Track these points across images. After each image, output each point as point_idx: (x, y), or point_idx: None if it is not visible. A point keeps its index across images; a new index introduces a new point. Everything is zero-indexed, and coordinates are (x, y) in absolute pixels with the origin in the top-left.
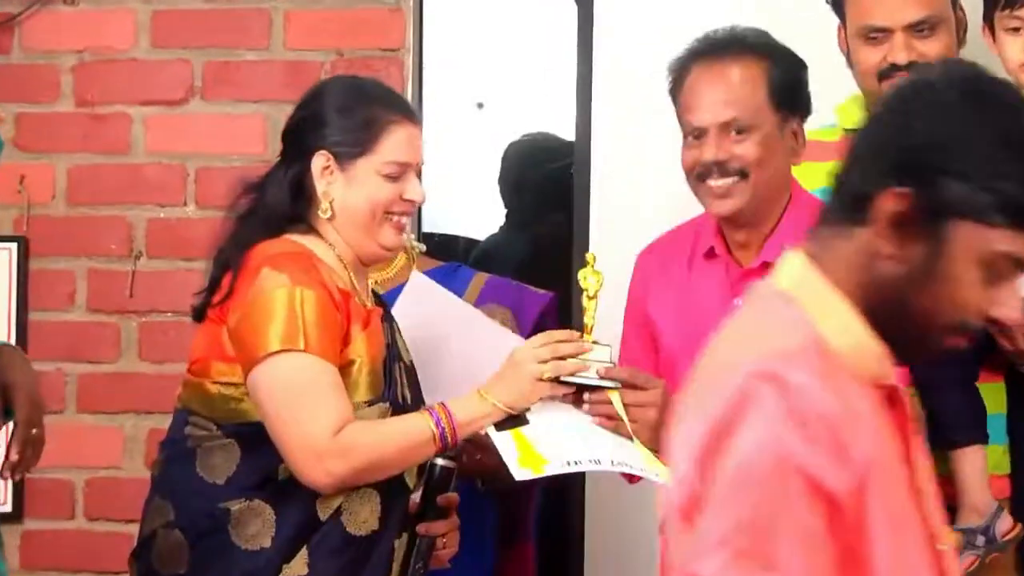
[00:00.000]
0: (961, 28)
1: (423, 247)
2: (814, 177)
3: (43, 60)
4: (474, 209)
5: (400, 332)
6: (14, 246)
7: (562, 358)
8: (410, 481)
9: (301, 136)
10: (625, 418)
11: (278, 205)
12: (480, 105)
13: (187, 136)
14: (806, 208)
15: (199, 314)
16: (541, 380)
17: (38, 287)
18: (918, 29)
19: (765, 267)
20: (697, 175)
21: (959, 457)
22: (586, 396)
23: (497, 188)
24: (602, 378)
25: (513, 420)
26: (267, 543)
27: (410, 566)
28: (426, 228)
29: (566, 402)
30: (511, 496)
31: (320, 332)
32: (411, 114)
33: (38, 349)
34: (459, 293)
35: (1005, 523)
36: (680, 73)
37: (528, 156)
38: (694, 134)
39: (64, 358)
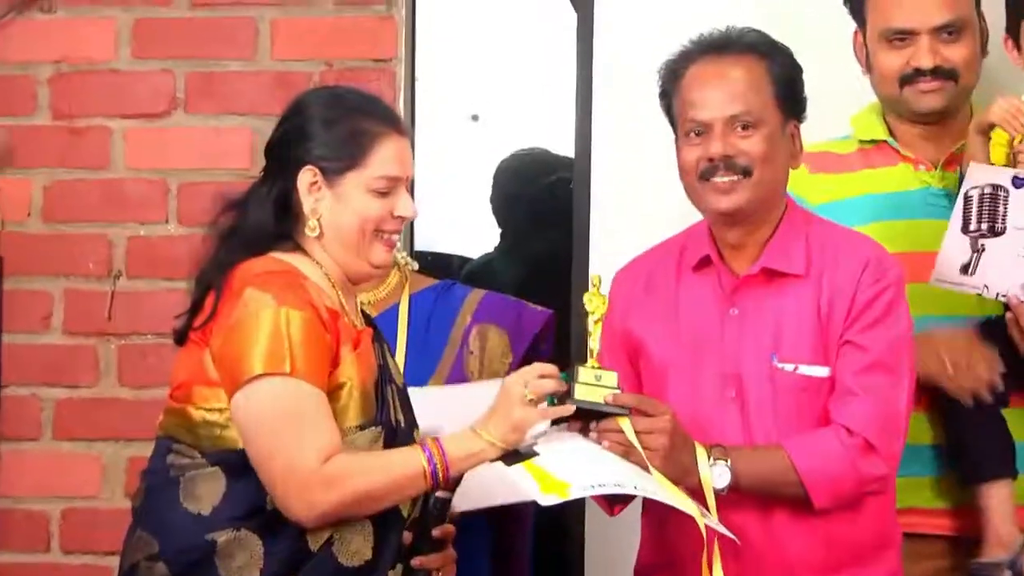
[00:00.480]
0: (985, 37)
1: (415, 265)
2: (828, 189)
3: (18, 71)
4: (469, 226)
5: (391, 354)
6: None
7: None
8: (405, 511)
9: (285, 151)
10: (637, 444)
11: (262, 223)
12: (475, 117)
13: (169, 150)
14: (800, 216)
15: (181, 337)
16: (529, 404)
17: (13, 308)
18: (944, 32)
19: (765, 273)
20: (700, 172)
21: (985, 491)
22: (593, 424)
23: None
24: (610, 405)
25: (518, 455)
26: (255, 575)
27: None
28: (419, 246)
29: (572, 431)
30: (507, 513)
31: (307, 354)
32: (400, 126)
33: (13, 373)
34: (452, 311)
35: None
36: (675, 72)
37: (522, 172)
38: (697, 130)
39: (40, 383)
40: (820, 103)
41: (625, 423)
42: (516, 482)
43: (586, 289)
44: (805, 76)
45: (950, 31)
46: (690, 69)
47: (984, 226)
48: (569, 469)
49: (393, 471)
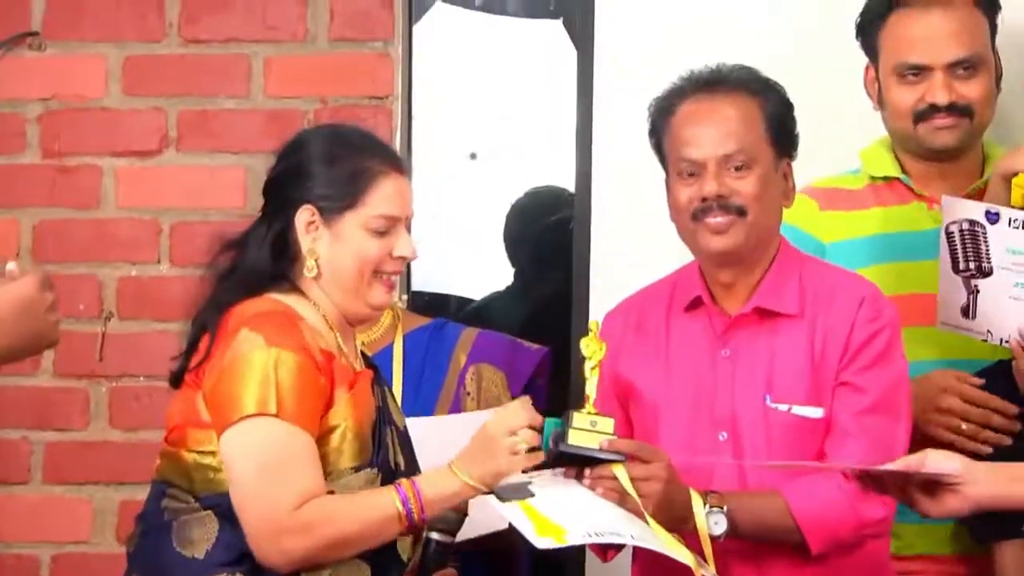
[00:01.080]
0: (999, 74)
1: (405, 300)
2: (840, 228)
3: (7, 108)
4: (467, 266)
5: (392, 396)
6: None
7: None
8: (403, 552)
9: (283, 190)
10: (632, 492)
11: (259, 263)
12: (473, 155)
13: (161, 189)
14: (793, 255)
15: (176, 380)
16: (517, 453)
17: None
18: (961, 68)
19: (757, 312)
20: (693, 213)
21: (1000, 549)
22: (587, 471)
23: (492, 243)
24: (605, 451)
25: (517, 492)
26: None
27: None
28: (416, 286)
29: (567, 476)
30: (500, 564)
31: (297, 397)
32: (399, 164)
33: (2, 416)
34: (447, 350)
35: None
36: (666, 110)
37: (527, 211)
38: (690, 170)
39: (30, 426)
40: (828, 136)
41: (620, 470)
42: (511, 521)
43: (585, 326)
44: (813, 108)
45: (965, 67)
46: (681, 106)
47: (972, 265)
48: (565, 514)
49: (366, 515)
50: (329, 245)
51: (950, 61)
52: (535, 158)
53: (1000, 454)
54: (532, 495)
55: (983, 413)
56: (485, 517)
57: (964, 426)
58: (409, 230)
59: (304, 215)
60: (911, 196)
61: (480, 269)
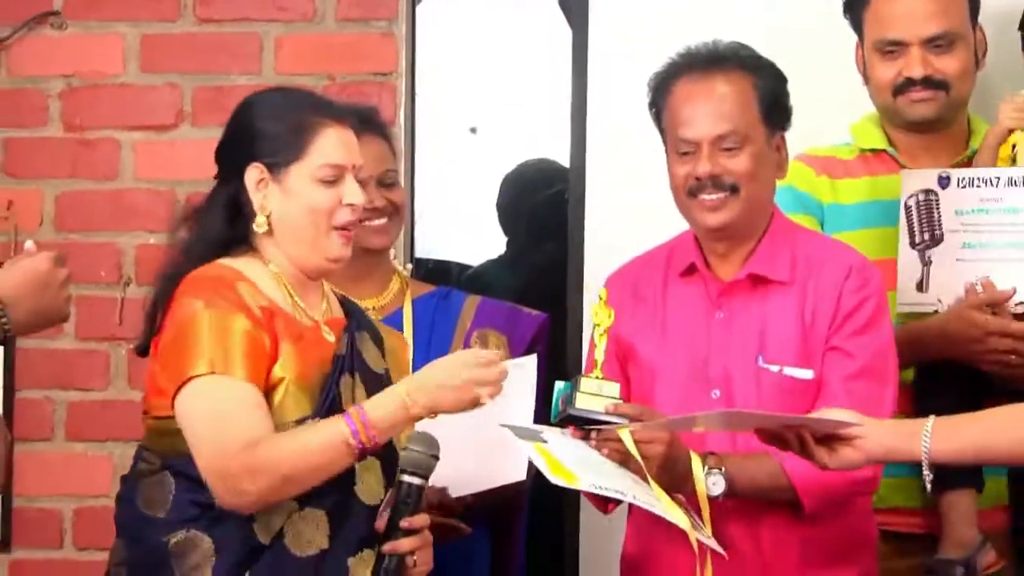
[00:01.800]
0: (980, 50)
1: (409, 267)
2: (833, 192)
3: (31, 85)
4: (468, 234)
5: (370, 340)
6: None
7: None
8: (367, 498)
9: (231, 153)
10: (636, 454)
11: (214, 230)
12: (473, 130)
13: (176, 161)
14: (786, 224)
15: (142, 350)
16: (475, 398)
17: None
18: (935, 44)
19: (751, 279)
20: (688, 190)
21: (948, 499)
22: (593, 433)
23: (491, 213)
24: (611, 414)
25: (530, 434)
26: (208, 573)
27: None
28: (419, 254)
29: (575, 437)
30: (501, 516)
31: (238, 352)
32: (341, 116)
33: (27, 377)
34: (452, 317)
35: (988, 557)
36: (664, 86)
37: (524, 183)
38: (685, 149)
39: (53, 386)
40: (823, 111)
41: (624, 433)
42: (528, 455)
43: (580, 295)
44: (807, 86)
45: (941, 43)
46: (677, 84)
47: (926, 236)
48: (577, 464)
49: (315, 446)
50: (280, 200)
51: (926, 37)
52: (532, 132)
53: None
54: (545, 441)
55: None
56: (490, 472)
57: (1014, 359)
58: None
59: (253, 173)
60: (897, 167)
61: (479, 238)
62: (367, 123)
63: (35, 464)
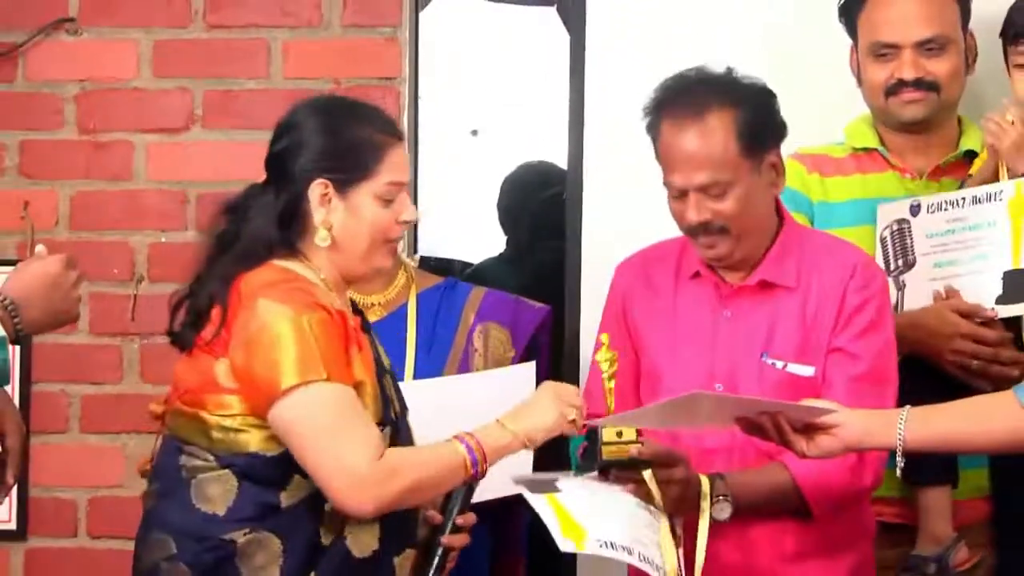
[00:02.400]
0: (971, 54)
1: (417, 259)
2: (823, 190)
3: (47, 89)
4: (469, 233)
5: (377, 338)
6: None
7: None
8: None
9: (289, 163)
10: (656, 493)
11: (263, 234)
12: (475, 132)
13: (188, 163)
14: (796, 230)
15: (185, 344)
16: (571, 423)
17: None
18: (927, 47)
19: (762, 284)
20: (685, 229)
21: (923, 494)
22: (613, 472)
23: (492, 212)
24: (634, 459)
25: (544, 485)
26: (276, 572)
27: None
28: (422, 251)
29: (600, 480)
30: (503, 513)
31: (334, 356)
32: (398, 132)
33: (42, 371)
34: (458, 309)
35: (961, 554)
36: (653, 122)
37: (524, 184)
38: (675, 193)
39: (67, 380)
40: (819, 113)
41: (648, 473)
42: (540, 514)
43: (577, 294)
44: (804, 88)
45: (932, 46)
46: (663, 125)
47: (900, 262)
48: (589, 515)
49: (441, 463)
50: (343, 215)
51: (918, 40)
52: (531, 134)
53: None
54: (558, 490)
55: (993, 352)
56: (486, 484)
57: (974, 364)
58: (412, 196)
59: (318, 189)
60: (887, 166)
61: (480, 236)
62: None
63: (50, 455)
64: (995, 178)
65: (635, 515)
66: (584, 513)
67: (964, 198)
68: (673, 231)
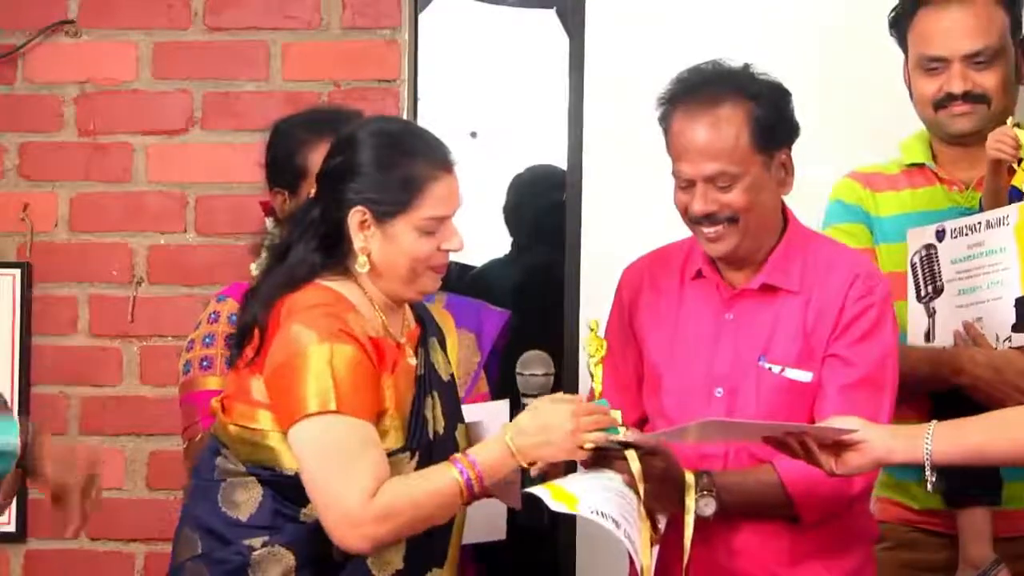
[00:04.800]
0: (1020, 63)
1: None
2: (878, 205)
3: (46, 91)
4: (468, 234)
5: (440, 346)
6: (18, 272)
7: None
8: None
9: (337, 185)
10: (638, 475)
11: (307, 257)
12: (473, 134)
13: (187, 165)
14: (801, 233)
15: (231, 361)
16: (580, 448)
17: (41, 312)
18: (975, 60)
19: (763, 288)
20: (690, 220)
21: (963, 515)
22: (592, 455)
23: (491, 214)
24: (620, 442)
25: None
26: None
27: None
28: None
29: (585, 467)
30: None
31: (354, 388)
32: (449, 164)
33: (41, 373)
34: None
35: None
36: (666, 113)
37: (531, 186)
38: (683, 184)
39: (67, 382)
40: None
41: (632, 456)
42: (501, 520)
43: (576, 293)
44: (848, 107)
45: (980, 58)
46: (675, 116)
47: (930, 288)
48: (581, 490)
49: (436, 493)
50: (381, 244)
51: (966, 53)
52: (530, 136)
53: None
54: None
55: None
56: (472, 529)
57: None
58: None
59: (356, 216)
60: (935, 179)
61: (480, 237)
62: None
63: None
64: (1002, 199)
65: (623, 496)
66: (576, 487)
67: (980, 223)
68: (671, 234)
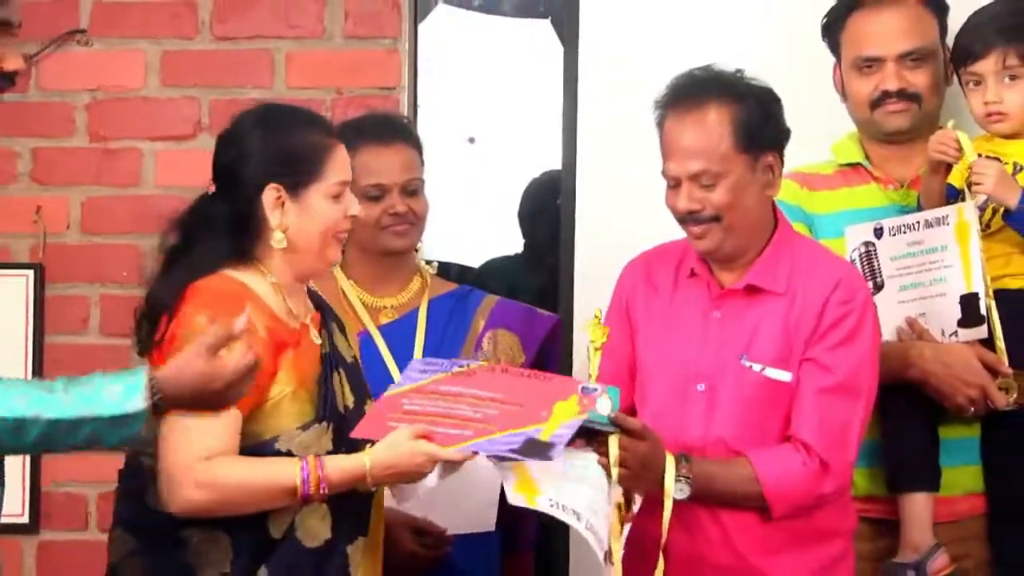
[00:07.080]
0: (949, 67)
1: (435, 266)
2: (815, 204)
3: (58, 98)
4: (466, 237)
5: (342, 329)
6: (31, 273)
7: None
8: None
9: (238, 172)
10: (615, 462)
11: (216, 244)
12: (471, 139)
13: (195, 169)
14: (789, 235)
15: (143, 352)
16: (423, 474)
17: (54, 312)
18: (909, 59)
19: (749, 289)
20: (677, 218)
21: (905, 499)
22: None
23: (489, 216)
24: (603, 424)
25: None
26: (227, 568)
27: None
28: (424, 255)
29: (576, 448)
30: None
31: None
32: (336, 133)
33: (54, 371)
34: (468, 316)
35: (939, 561)
36: (660, 116)
37: (545, 190)
38: (671, 183)
39: None
40: (810, 132)
41: (613, 440)
42: (498, 471)
43: (571, 299)
44: (794, 107)
45: (914, 58)
46: (668, 118)
47: (870, 284)
48: (548, 479)
49: (262, 481)
50: (296, 217)
51: (900, 52)
52: (527, 142)
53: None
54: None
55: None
56: (462, 518)
57: (971, 411)
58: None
59: (271, 194)
60: (870, 178)
61: (478, 239)
62: (400, 132)
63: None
64: (941, 198)
65: (597, 485)
66: (544, 475)
67: (919, 222)
68: (664, 238)
